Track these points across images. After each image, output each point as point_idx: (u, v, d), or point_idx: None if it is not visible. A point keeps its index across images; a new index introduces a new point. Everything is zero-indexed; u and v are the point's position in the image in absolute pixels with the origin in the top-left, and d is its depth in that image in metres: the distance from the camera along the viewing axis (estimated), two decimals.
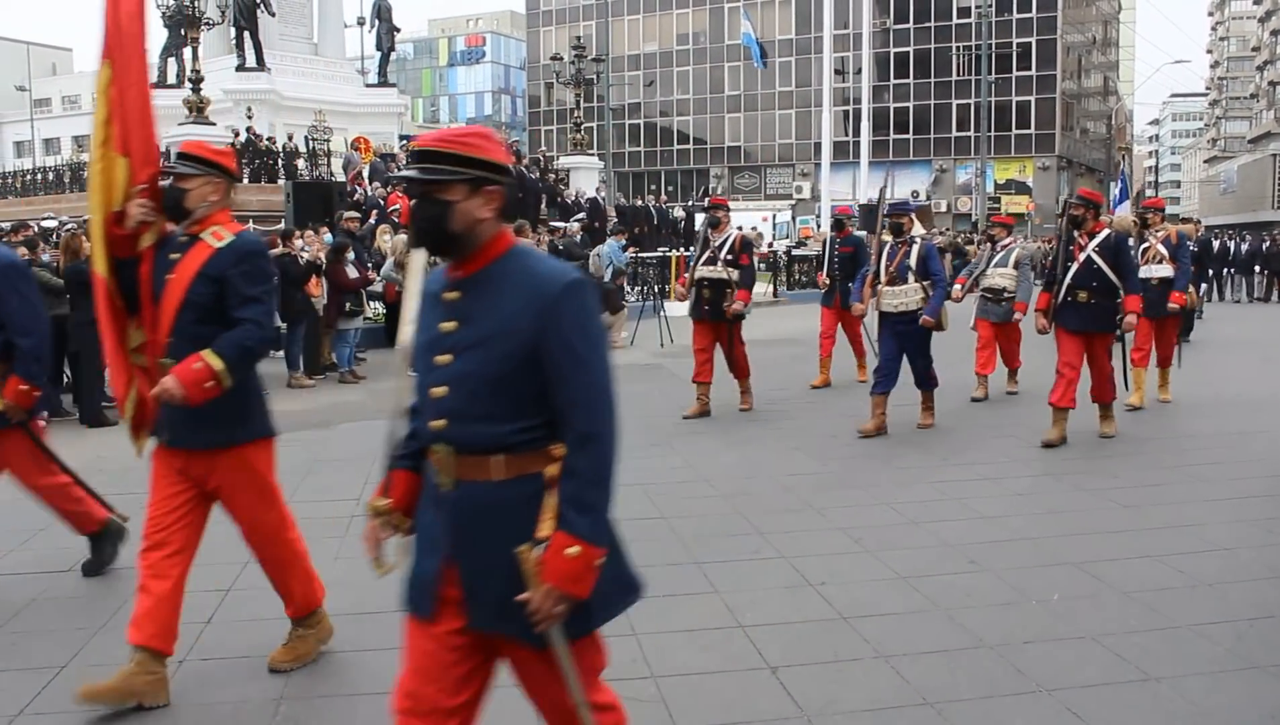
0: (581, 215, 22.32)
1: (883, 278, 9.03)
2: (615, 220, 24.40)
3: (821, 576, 5.32)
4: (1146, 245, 10.35)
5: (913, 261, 8.95)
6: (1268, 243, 28.68)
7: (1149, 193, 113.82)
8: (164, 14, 25.93)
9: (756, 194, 67.87)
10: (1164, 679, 4.07)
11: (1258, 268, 28.33)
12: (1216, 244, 28.28)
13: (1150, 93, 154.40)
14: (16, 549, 6.05)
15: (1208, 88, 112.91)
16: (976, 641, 4.49)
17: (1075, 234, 8.47)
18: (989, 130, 49.50)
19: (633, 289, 20.64)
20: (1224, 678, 4.10)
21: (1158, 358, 10.45)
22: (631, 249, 21.24)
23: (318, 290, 12.46)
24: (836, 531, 6.18)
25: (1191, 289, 10.97)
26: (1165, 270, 10.24)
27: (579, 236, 19.05)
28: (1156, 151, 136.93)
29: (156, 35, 32.35)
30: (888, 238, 9.25)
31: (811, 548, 5.84)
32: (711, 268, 9.78)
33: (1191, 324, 15.77)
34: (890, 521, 6.36)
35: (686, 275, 10.09)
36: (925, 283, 8.90)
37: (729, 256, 9.73)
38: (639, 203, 31.91)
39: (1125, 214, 11.35)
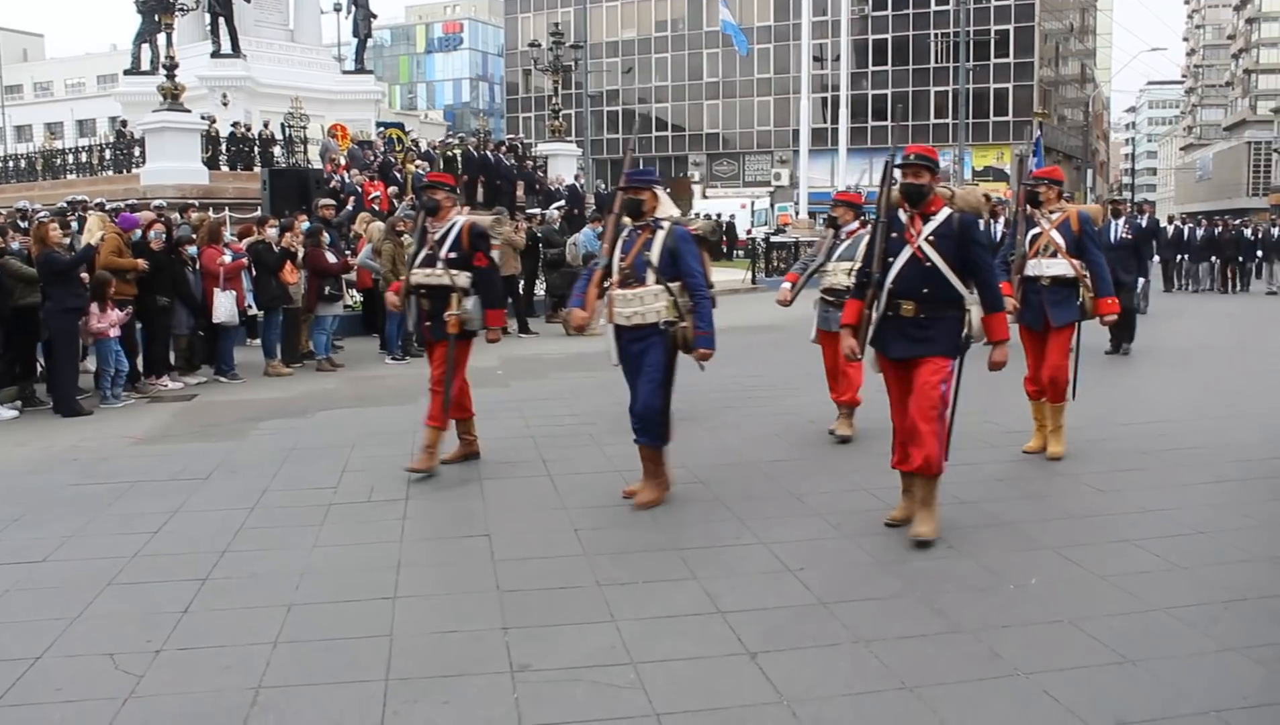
0: (562, 202, 22.28)
1: (614, 276, 6.39)
2: (593, 207, 24.34)
3: (800, 562, 5.33)
4: (1037, 231, 7.68)
5: (654, 255, 6.24)
6: (1220, 228, 27.12)
7: (1125, 181, 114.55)
8: None
9: (735, 181, 67.93)
10: (1140, 662, 4.09)
11: (1214, 258, 26.68)
12: (1170, 229, 26.89)
13: (1127, 80, 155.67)
14: None
15: (1184, 76, 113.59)
16: (954, 626, 4.50)
17: (903, 216, 5.77)
18: (967, 117, 49.68)
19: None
20: (1200, 660, 4.13)
21: (1046, 387, 7.64)
22: None
23: (293, 277, 12.39)
24: (815, 517, 6.19)
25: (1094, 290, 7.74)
26: (1060, 266, 7.55)
27: (557, 224, 19.02)
28: (1133, 139, 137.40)
29: (130, 21, 32.01)
30: (627, 222, 6.51)
31: (790, 533, 5.84)
32: (429, 270, 7.31)
33: (1132, 329, 13.46)
34: (868, 507, 6.37)
35: (401, 281, 7.72)
36: (674, 285, 6.23)
37: (452, 254, 7.25)
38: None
39: (975, 189, 7.75)
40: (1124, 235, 14.05)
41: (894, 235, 5.73)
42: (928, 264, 5.64)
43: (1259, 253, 27.11)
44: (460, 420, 7.65)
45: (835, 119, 45.49)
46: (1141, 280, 13.97)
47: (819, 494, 6.68)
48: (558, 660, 4.18)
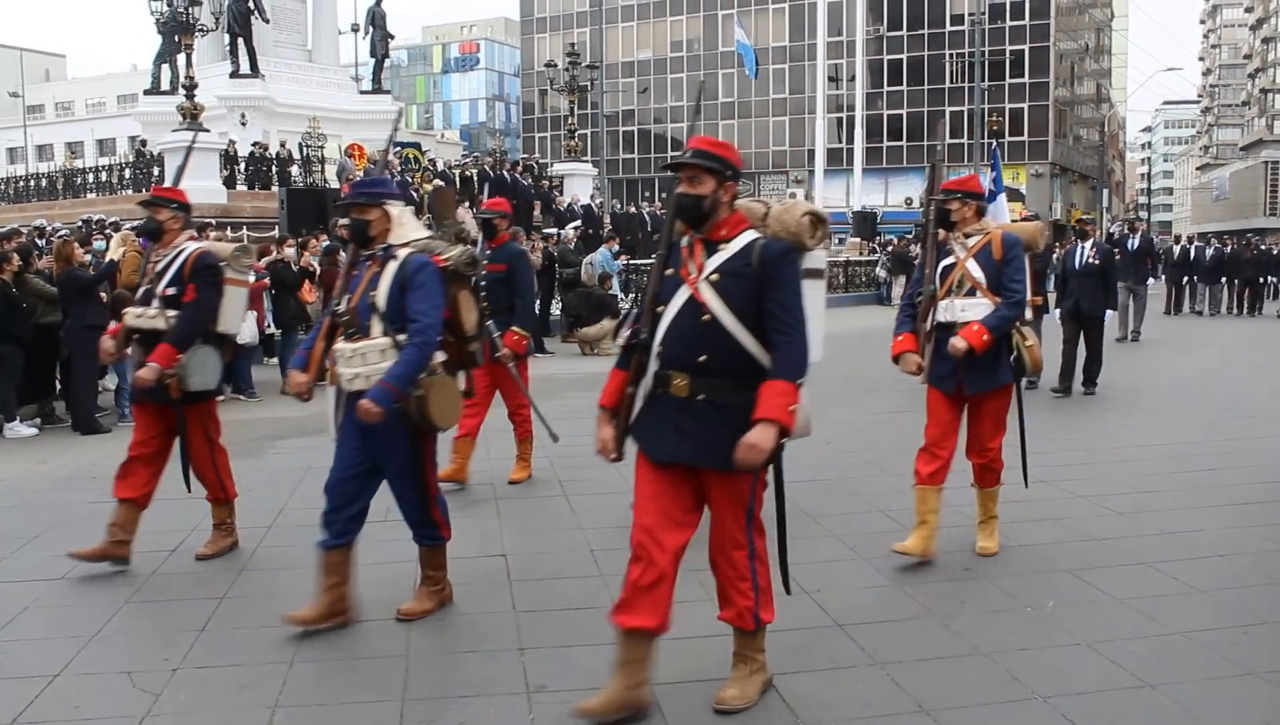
0: (578, 222, 22.36)
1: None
2: (609, 227, 24.44)
3: (817, 584, 5.31)
4: (950, 262, 5.70)
5: (381, 296, 4.67)
6: (1230, 248, 25.80)
7: (1141, 201, 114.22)
8: (158, 20, 25.93)
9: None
10: (1159, 686, 4.06)
11: (1224, 278, 25.29)
12: (1177, 249, 25.93)
13: (1143, 100, 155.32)
14: (9, 557, 6.03)
15: (1200, 95, 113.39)
16: (971, 648, 4.49)
17: (683, 246, 3.93)
18: (982, 137, 49.62)
19: (625, 296, 20.70)
20: (1220, 684, 4.10)
21: (974, 470, 5.88)
22: (624, 256, 21.30)
23: (311, 296, 12.47)
24: (831, 538, 6.17)
25: (1031, 338, 5.74)
26: (980, 308, 5.55)
27: (573, 243, 19.09)
28: (1149, 159, 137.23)
29: (150, 42, 32.32)
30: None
31: (806, 554, 5.82)
32: (144, 311, 5.75)
33: (1097, 367, 11.94)
34: (885, 528, 6.36)
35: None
36: (402, 336, 4.63)
37: (171, 290, 5.70)
38: (632, 210, 31.94)
39: (797, 204, 4.12)
40: (1090, 260, 12.00)
41: (669, 272, 3.90)
42: (706, 316, 3.75)
43: (1273, 276, 26.59)
44: (217, 503, 6.11)
45: (851, 139, 45.56)
46: (1110, 312, 12.00)
47: (835, 515, 6.67)
48: (574, 681, 4.17)
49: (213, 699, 4.09)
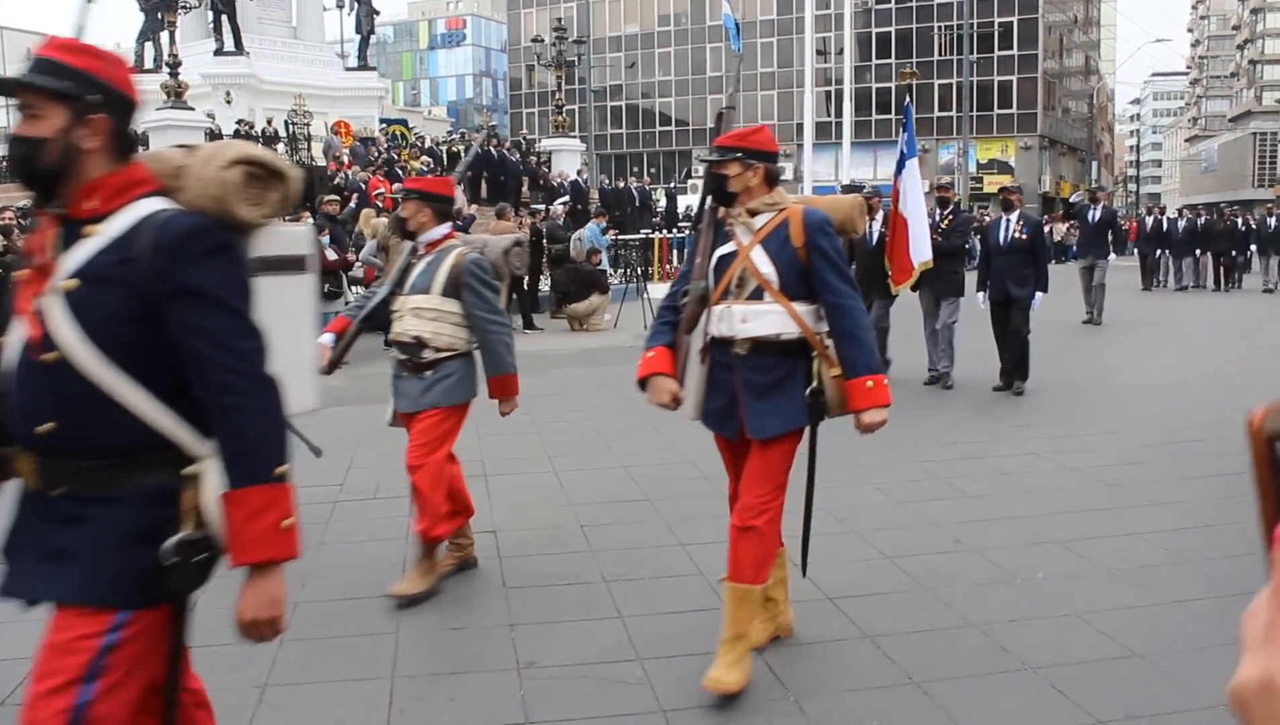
0: (565, 198, 22.31)
1: None
2: (598, 203, 24.41)
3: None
4: (728, 251, 3.91)
5: None
6: (1203, 219, 24.68)
7: (1130, 173, 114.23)
8: None
9: None
10: (1148, 655, 4.08)
11: (1198, 251, 24.36)
12: (1150, 221, 25.07)
13: (1132, 72, 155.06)
14: None
15: (1188, 67, 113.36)
16: (961, 620, 4.49)
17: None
18: (971, 110, 49.61)
19: (615, 272, 20.67)
20: (1208, 654, 4.11)
21: (729, 544, 4.09)
22: (612, 231, 21.26)
23: None
24: (821, 512, 6.13)
25: (838, 365, 3.87)
26: (770, 318, 3.82)
27: (561, 220, 19.05)
28: (1138, 131, 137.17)
29: (133, 19, 32.10)
30: None
31: (797, 529, 5.82)
32: None
33: (1026, 363, 10.14)
34: (875, 501, 6.36)
35: None
36: None
37: None
38: (620, 185, 31.87)
39: (226, 146, 2.36)
40: (1017, 235, 10.11)
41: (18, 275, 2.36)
42: (51, 354, 2.16)
43: (1253, 246, 24.90)
44: None
45: (839, 113, 45.39)
46: (1040, 294, 10.04)
47: (825, 489, 6.60)
48: (564, 656, 4.17)
49: (203, 678, 4.07)
